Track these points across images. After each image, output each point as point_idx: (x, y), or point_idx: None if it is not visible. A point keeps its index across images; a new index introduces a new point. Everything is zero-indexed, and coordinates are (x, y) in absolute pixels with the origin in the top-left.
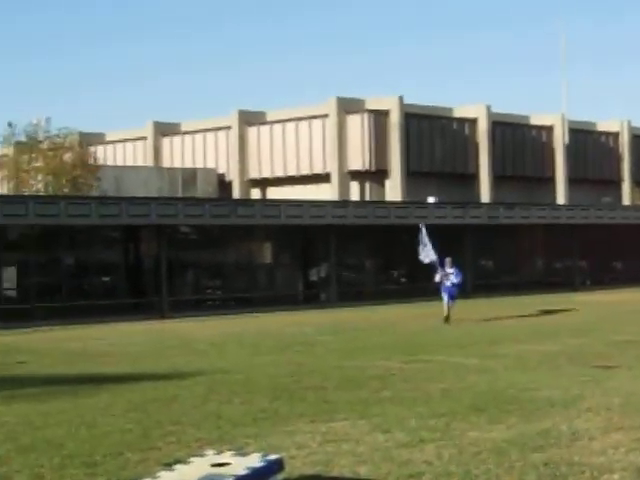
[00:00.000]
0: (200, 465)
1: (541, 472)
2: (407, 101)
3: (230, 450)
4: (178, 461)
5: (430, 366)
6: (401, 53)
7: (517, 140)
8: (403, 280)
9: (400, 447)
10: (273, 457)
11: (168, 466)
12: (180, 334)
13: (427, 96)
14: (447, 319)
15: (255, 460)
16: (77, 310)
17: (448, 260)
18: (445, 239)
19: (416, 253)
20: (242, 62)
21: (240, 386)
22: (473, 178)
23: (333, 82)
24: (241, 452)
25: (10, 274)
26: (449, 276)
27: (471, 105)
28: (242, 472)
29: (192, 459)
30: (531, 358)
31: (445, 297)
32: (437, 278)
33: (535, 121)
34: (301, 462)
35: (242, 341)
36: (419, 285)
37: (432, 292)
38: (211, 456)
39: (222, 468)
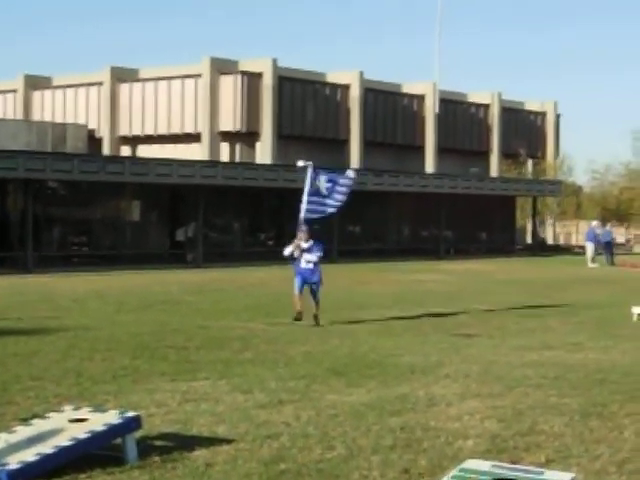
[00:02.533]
0: (58, 420)
1: (397, 436)
2: (281, 64)
3: (88, 407)
4: (36, 416)
5: (293, 329)
6: (276, 16)
7: (389, 108)
8: (270, 243)
9: (259, 408)
10: (131, 414)
11: (25, 421)
12: (44, 289)
13: (301, 61)
14: (299, 315)
15: (112, 417)
16: None
17: (303, 230)
18: None
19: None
20: (117, 19)
21: (102, 343)
22: (344, 144)
23: (207, 43)
24: (99, 408)
25: None
26: (305, 253)
27: (344, 71)
28: (99, 428)
29: (50, 414)
30: (395, 324)
31: (298, 282)
32: (286, 251)
33: (407, 89)
34: (160, 420)
35: (106, 298)
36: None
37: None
38: (69, 412)
39: (79, 424)
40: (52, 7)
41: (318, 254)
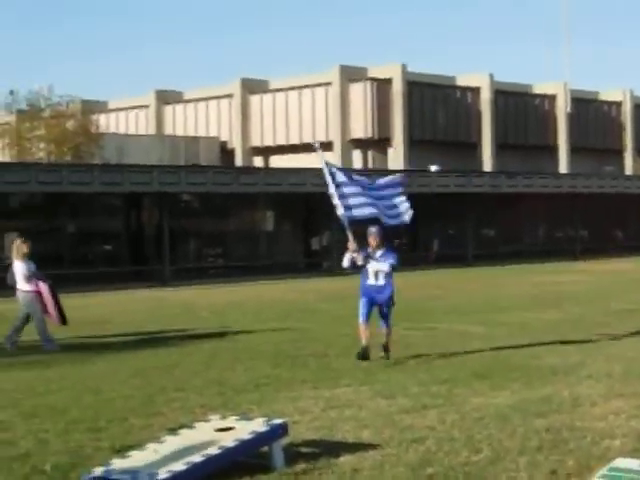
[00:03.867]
0: (205, 430)
1: (543, 437)
2: (410, 70)
3: (235, 415)
4: (183, 426)
5: (434, 333)
6: (404, 21)
7: (519, 109)
8: (404, 248)
9: (403, 412)
10: (277, 422)
11: (173, 431)
12: (182, 302)
13: (430, 65)
14: (365, 352)
15: (259, 425)
16: (79, 278)
17: (373, 232)
18: (447, 208)
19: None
20: (245, 30)
21: (242, 353)
22: (475, 147)
23: (336, 50)
24: (245, 417)
25: (10, 241)
26: (373, 261)
27: (474, 74)
28: (246, 436)
29: (197, 424)
30: (534, 326)
31: (364, 306)
32: (345, 262)
33: (538, 90)
34: (305, 427)
35: (243, 308)
36: (420, 254)
37: (434, 261)
38: (216, 421)
39: (226, 433)
40: (180, 22)
41: (391, 261)
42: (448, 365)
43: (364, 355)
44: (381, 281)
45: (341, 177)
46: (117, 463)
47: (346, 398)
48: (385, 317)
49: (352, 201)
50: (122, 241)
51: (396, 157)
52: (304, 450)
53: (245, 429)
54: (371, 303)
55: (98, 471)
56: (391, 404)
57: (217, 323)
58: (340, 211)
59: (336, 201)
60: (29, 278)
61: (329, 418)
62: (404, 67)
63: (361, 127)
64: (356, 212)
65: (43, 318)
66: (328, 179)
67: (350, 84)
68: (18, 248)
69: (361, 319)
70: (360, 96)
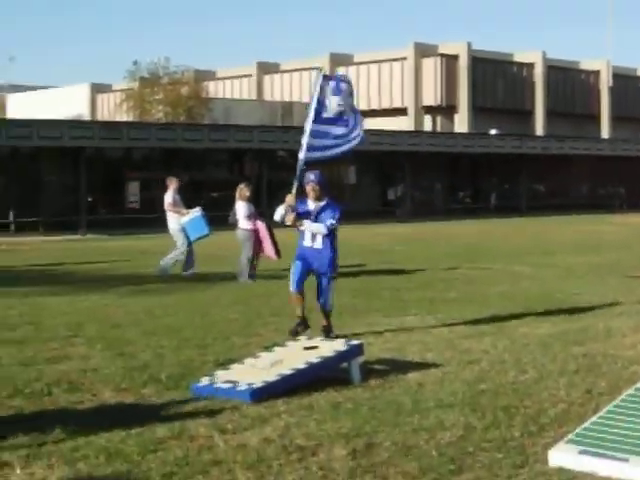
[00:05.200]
0: (294, 348)
1: (580, 362)
2: (474, 47)
3: (319, 337)
4: (276, 345)
5: (489, 272)
6: (471, 4)
7: (568, 82)
8: (467, 200)
9: (462, 338)
10: (355, 342)
11: (267, 349)
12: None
13: (492, 43)
14: (300, 326)
15: (340, 345)
16: None
17: (312, 180)
18: (504, 167)
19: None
20: (334, 8)
21: (252, 284)
22: (529, 114)
23: (411, 29)
24: (328, 337)
25: (134, 189)
26: (306, 221)
27: (529, 51)
28: (329, 354)
29: (288, 343)
30: (576, 268)
31: (297, 271)
32: (277, 216)
33: (584, 66)
34: (378, 348)
35: None
36: (481, 205)
37: (492, 211)
38: (304, 341)
39: (312, 351)
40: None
41: (331, 221)
42: (501, 299)
43: (296, 330)
44: (318, 244)
45: (330, 105)
46: (220, 374)
47: (414, 325)
48: (323, 292)
49: (322, 142)
50: (227, 189)
51: (461, 122)
52: (377, 367)
53: (328, 348)
54: (307, 269)
55: (204, 380)
56: (452, 331)
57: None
58: (301, 154)
59: (304, 140)
60: (249, 218)
61: (399, 341)
62: (469, 45)
63: (431, 96)
64: (318, 154)
65: (252, 255)
66: (311, 109)
67: (423, 59)
68: (241, 192)
69: (292, 287)
70: (431, 69)
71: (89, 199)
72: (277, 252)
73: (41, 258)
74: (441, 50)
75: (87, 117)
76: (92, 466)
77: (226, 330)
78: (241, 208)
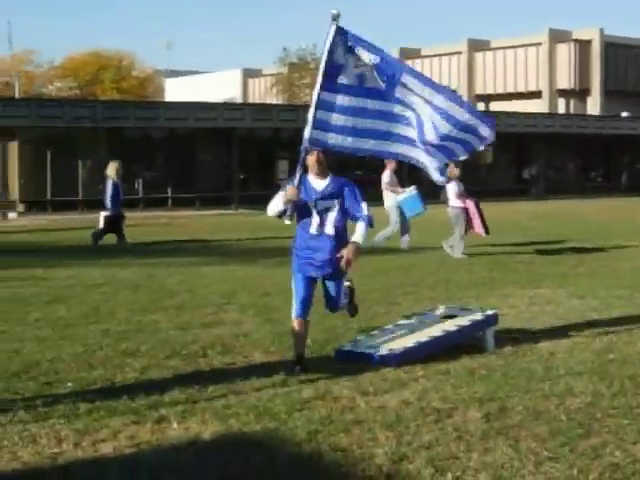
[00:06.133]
0: (432, 317)
1: None
2: (607, 32)
3: (457, 306)
4: (415, 314)
5: (620, 250)
6: None
7: None
8: (599, 180)
9: (592, 310)
10: (490, 312)
11: (407, 317)
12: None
13: (624, 29)
14: (299, 357)
15: (476, 314)
16: None
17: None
18: (635, 147)
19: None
20: None
21: (465, 259)
22: None
23: (546, 15)
24: (465, 308)
25: (283, 167)
26: (311, 202)
27: None
28: (465, 323)
29: (426, 312)
30: None
31: (300, 289)
32: (270, 209)
33: None
34: (512, 318)
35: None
36: (613, 184)
37: (623, 190)
38: (441, 310)
39: (449, 320)
40: None
41: (364, 209)
42: (631, 275)
43: (298, 360)
44: (330, 228)
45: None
46: (362, 340)
47: (546, 297)
48: (336, 296)
49: (344, 121)
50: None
51: (593, 104)
52: (511, 336)
53: (464, 318)
54: (313, 278)
55: (348, 346)
56: (583, 303)
57: (444, 235)
58: (307, 132)
59: (311, 114)
60: (459, 196)
61: (532, 312)
62: (602, 31)
63: (565, 80)
64: (337, 141)
65: (463, 232)
66: (320, 71)
67: (557, 44)
68: (451, 171)
69: (295, 311)
70: (565, 54)
71: (241, 176)
72: (486, 229)
73: (197, 231)
74: (575, 36)
75: (239, 100)
76: (243, 423)
77: (368, 299)
78: (451, 187)
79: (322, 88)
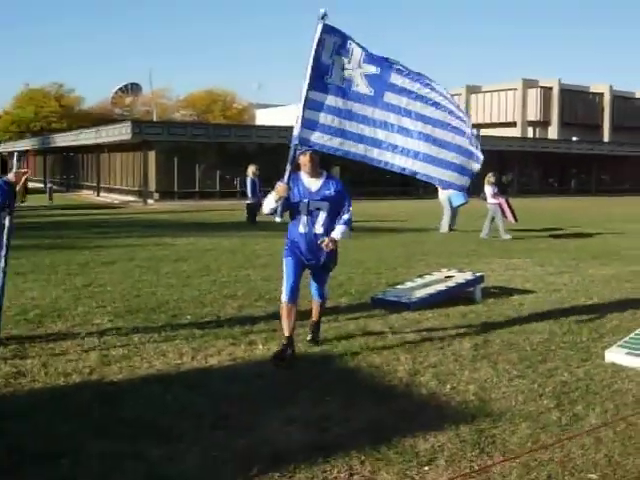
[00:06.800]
0: (438, 276)
1: (629, 292)
2: (563, 81)
3: (455, 269)
4: (425, 274)
5: (569, 232)
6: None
7: (627, 105)
8: (555, 184)
9: (549, 275)
10: (478, 274)
11: (420, 276)
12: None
13: (577, 77)
14: (285, 349)
15: (468, 275)
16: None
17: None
18: (582, 163)
19: None
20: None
21: (459, 237)
22: (598, 128)
23: (519, 67)
24: (460, 270)
25: (336, 172)
26: (303, 201)
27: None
28: (461, 281)
29: (433, 273)
30: (631, 232)
31: (291, 272)
32: (266, 207)
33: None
34: (493, 279)
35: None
36: (564, 187)
37: (572, 192)
38: (444, 272)
39: (450, 278)
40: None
41: (348, 212)
42: (577, 250)
43: (282, 355)
44: (320, 228)
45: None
46: (390, 291)
47: (517, 265)
48: (321, 284)
49: (331, 121)
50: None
51: (552, 132)
52: (492, 291)
53: (460, 277)
54: (301, 267)
55: (379, 294)
56: (543, 269)
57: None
58: (296, 130)
59: (300, 114)
60: (494, 195)
61: (507, 275)
62: (560, 80)
63: (533, 114)
64: (324, 141)
65: (503, 221)
66: (308, 69)
67: (528, 89)
68: (488, 179)
69: (285, 296)
70: (533, 96)
71: None
72: (514, 217)
73: None
74: (541, 83)
75: None
76: (307, 346)
77: (393, 263)
78: (488, 189)
79: (311, 87)
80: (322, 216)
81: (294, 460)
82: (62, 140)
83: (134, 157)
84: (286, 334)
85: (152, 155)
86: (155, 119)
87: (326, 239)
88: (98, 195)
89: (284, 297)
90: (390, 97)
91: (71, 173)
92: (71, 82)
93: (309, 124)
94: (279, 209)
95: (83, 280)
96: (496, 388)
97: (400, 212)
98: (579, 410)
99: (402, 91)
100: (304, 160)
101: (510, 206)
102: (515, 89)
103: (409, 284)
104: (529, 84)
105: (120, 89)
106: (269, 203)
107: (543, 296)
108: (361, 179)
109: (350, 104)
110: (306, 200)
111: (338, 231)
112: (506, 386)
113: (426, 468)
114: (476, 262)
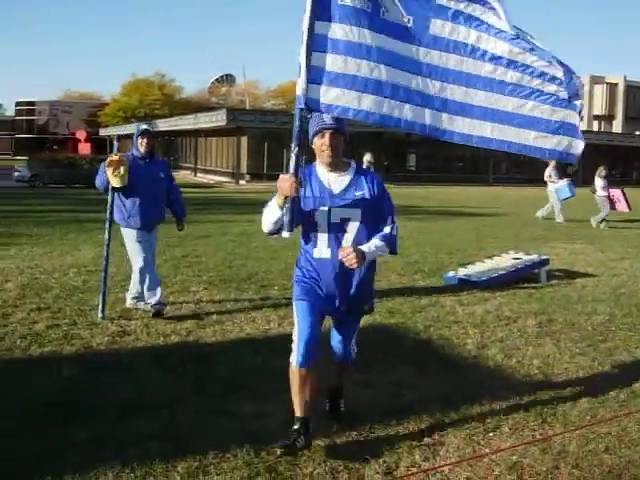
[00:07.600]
0: (506, 257)
1: None
2: (629, 78)
3: (522, 251)
4: (494, 255)
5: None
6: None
7: None
8: (617, 175)
9: (611, 260)
10: (544, 257)
11: (489, 257)
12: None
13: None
14: (304, 419)
15: (534, 257)
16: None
17: (330, 121)
18: None
19: None
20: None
21: (520, 221)
22: None
23: (587, 64)
24: (527, 253)
25: (412, 160)
26: (322, 206)
27: None
28: (528, 263)
29: (502, 254)
30: None
31: (306, 326)
32: (266, 226)
33: None
34: (557, 262)
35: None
36: (626, 179)
37: (633, 183)
38: (512, 254)
39: (517, 260)
40: None
41: (391, 222)
42: (639, 237)
43: (291, 448)
44: (351, 259)
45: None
46: (461, 270)
47: (580, 250)
48: (348, 339)
49: (357, 67)
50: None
51: (617, 126)
52: (556, 274)
53: (526, 259)
54: (321, 314)
55: (451, 273)
56: (605, 255)
57: (508, 205)
58: (300, 89)
59: (303, 61)
60: (604, 188)
61: (570, 259)
62: (625, 77)
63: (599, 108)
64: (349, 102)
65: (608, 212)
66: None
67: (595, 85)
68: (600, 172)
69: (297, 358)
70: (600, 92)
71: (385, 163)
72: (629, 206)
73: None
74: (607, 80)
75: None
76: (383, 318)
77: (464, 244)
78: (599, 182)
79: (315, 16)
80: (351, 232)
81: (370, 420)
82: (164, 125)
83: (228, 142)
84: (298, 414)
85: (244, 140)
86: (247, 107)
87: (348, 247)
88: (195, 175)
89: (295, 359)
90: (440, 27)
91: (171, 155)
92: (172, 73)
93: (317, 74)
94: (286, 218)
95: (181, 251)
96: (558, 364)
97: (470, 198)
98: (637, 388)
99: (458, 16)
100: (320, 144)
101: (625, 196)
102: (583, 85)
103: (479, 264)
104: (596, 80)
105: (216, 79)
106: (270, 214)
107: (604, 280)
108: (434, 165)
109: (383, 39)
110: (326, 207)
111: (372, 244)
112: (568, 362)
113: (491, 434)
114: (542, 246)
